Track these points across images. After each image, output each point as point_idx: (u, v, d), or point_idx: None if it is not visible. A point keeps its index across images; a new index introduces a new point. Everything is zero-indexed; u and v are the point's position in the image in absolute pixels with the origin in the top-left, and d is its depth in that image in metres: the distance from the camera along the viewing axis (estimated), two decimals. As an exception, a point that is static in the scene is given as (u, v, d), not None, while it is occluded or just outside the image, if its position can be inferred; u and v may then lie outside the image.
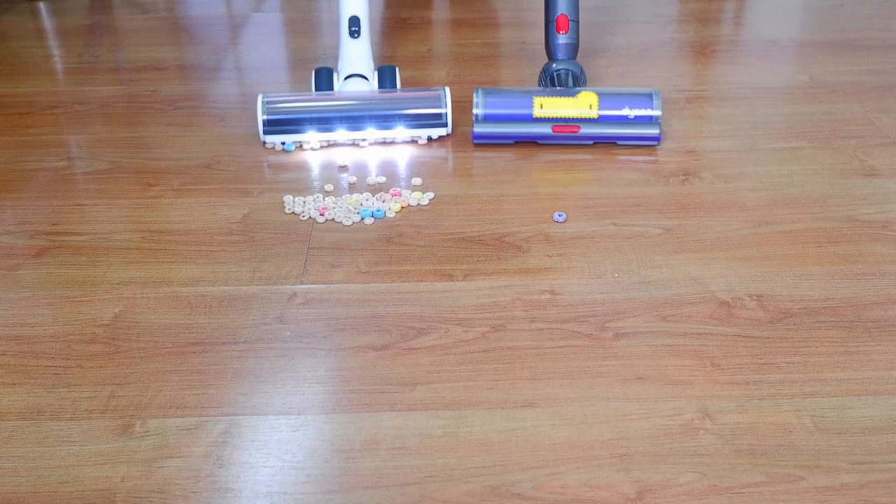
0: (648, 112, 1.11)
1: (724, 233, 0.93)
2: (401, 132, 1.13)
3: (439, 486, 0.62)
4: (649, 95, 1.11)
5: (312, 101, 1.13)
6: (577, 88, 1.12)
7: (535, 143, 1.12)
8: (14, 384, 0.73)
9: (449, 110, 1.13)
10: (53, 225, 0.96)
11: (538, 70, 1.39)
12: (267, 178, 1.06)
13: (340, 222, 0.96)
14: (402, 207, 0.99)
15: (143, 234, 0.94)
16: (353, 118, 1.12)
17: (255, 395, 0.71)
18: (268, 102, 1.12)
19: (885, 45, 1.49)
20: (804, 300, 0.82)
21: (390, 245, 0.92)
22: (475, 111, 1.12)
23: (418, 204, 1.00)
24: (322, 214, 0.97)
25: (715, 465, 0.64)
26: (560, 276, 0.86)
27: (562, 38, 1.18)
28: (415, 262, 0.89)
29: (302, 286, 0.85)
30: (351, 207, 0.98)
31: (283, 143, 1.12)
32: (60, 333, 0.79)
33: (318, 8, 1.76)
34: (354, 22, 1.16)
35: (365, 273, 0.87)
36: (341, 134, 1.12)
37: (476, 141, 1.12)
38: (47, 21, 1.70)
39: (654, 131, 1.10)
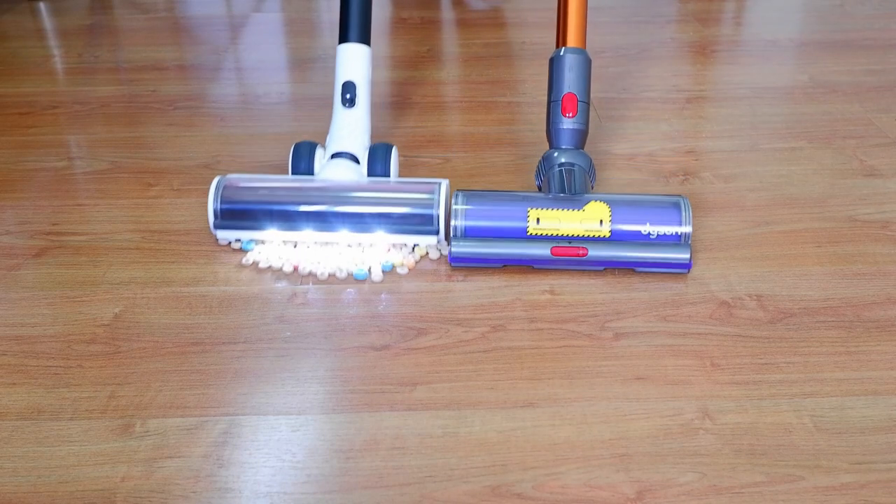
0: (675, 229, 0.85)
1: (724, 233, 0.93)
2: (381, 237, 0.89)
3: (439, 486, 0.62)
4: (676, 206, 0.86)
5: (276, 191, 0.90)
6: (585, 197, 0.87)
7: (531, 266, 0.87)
8: (14, 384, 0.73)
9: (442, 212, 0.87)
10: (53, 225, 0.97)
11: (538, 71, 1.39)
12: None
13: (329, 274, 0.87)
14: (416, 263, 0.88)
15: (143, 234, 0.94)
16: (321, 217, 0.88)
17: (255, 395, 0.71)
18: (225, 187, 0.89)
19: (885, 45, 1.49)
20: (804, 300, 0.82)
21: (390, 245, 0.92)
22: (454, 223, 0.86)
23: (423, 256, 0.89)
24: (296, 270, 0.87)
25: (715, 465, 0.64)
26: (560, 276, 0.86)
27: (568, 123, 0.92)
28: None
29: (302, 286, 0.85)
30: (337, 263, 0.87)
31: (240, 241, 0.91)
32: (60, 333, 0.79)
33: (318, 8, 1.76)
34: (349, 88, 0.95)
35: (365, 273, 0.87)
36: (308, 235, 0.89)
37: (454, 264, 0.87)
38: (47, 21, 1.70)
39: (682, 256, 0.84)
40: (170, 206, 1.00)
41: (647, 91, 1.31)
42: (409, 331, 0.79)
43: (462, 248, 0.86)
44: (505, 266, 0.87)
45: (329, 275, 0.86)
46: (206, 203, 1.00)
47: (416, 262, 0.88)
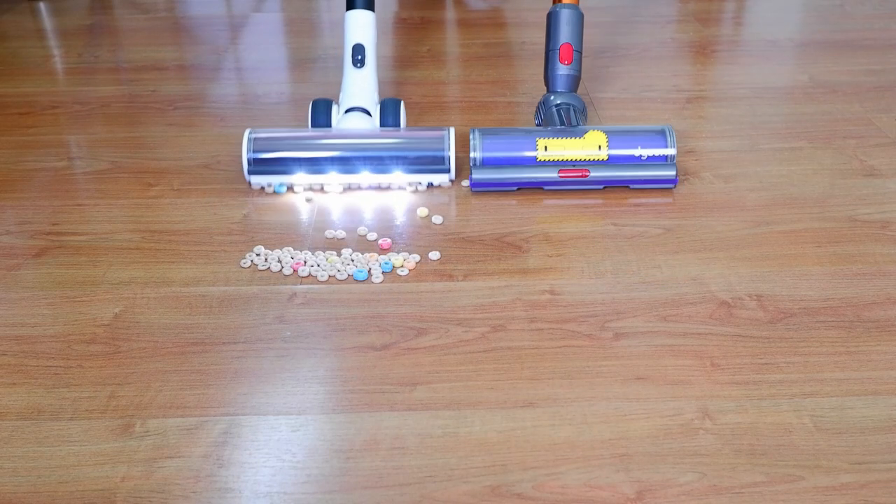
0: (662, 151, 1.01)
1: (724, 233, 0.93)
2: (398, 177, 1.01)
3: (439, 486, 0.62)
4: (662, 133, 1.02)
5: (303, 140, 1.02)
6: (584, 127, 1.02)
7: (541, 188, 1.01)
8: (14, 384, 0.73)
9: (452, 154, 1.00)
10: (53, 225, 0.97)
11: (538, 71, 1.39)
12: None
13: (332, 276, 0.86)
14: (416, 264, 0.88)
15: (143, 234, 0.94)
16: (346, 160, 1.00)
17: (255, 395, 0.71)
18: (255, 139, 1.01)
19: (885, 45, 1.49)
20: (804, 300, 0.82)
21: (390, 245, 0.92)
22: (472, 155, 1.01)
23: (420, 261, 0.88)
24: (295, 271, 0.87)
25: (715, 465, 0.64)
26: (560, 276, 0.86)
27: (564, 70, 1.08)
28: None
29: (302, 286, 0.85)
30: (336, 265, 0.88)
31: (272, 185, 1.02)
32: (60, 333, 0.79)
33: (318, 8, 1.76)
34: (359, 50, 1.07)
35: (365, 273, 0.87)
36: (333, 177, 1.01)
37: (474, 189, 1.01)
38: (47, 21, 1.70)
39: (669, 172, 1.00)
40: (170, 206, 1.00)
41: (647, 91, 1.31)
42: (409, 331, 0.79)
43: (481, 174, 1.00)
44: (519, 189, 1.00)
45: (329, 276, 0.86)
46: (206, 203, 1.00)
47: (417, 263, 0.88)
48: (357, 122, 1.03)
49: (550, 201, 1.00)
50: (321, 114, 1.05)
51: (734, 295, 0.83)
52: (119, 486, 0.62)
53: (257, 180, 1.02)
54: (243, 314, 0.81)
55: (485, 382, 0.72)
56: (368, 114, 1.05)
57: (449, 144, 1.00)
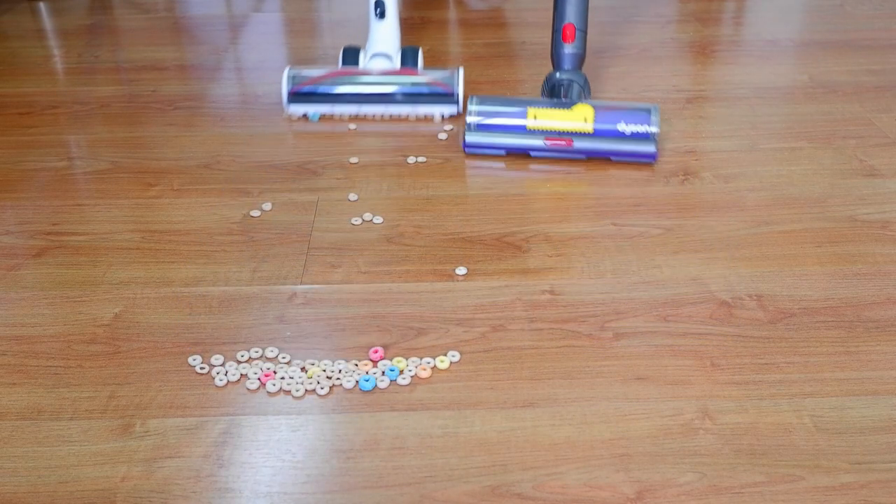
0: (645, 128, 1.06)
1: (724, 233, 0.93)
2: (413, 109, 1.20)
3: (439, 486, 0.62)
4: (647, 111, 1.07)
5: (332, 76, 1.20)
6: (574, 101, 1.10)
7: (528, 154, 1.09)
8: (14, 384, 0.73)
9: (461, 90, 1.18)
10: (53, 225, 0.96)
11: (538, 71, 1.39)
12: (268, 178, 1.06)
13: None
14: (430, 371, 0.74)
15: (143, 234, 0.94)
16: (367, 94, 1.19)
17: (255, 395, 0.71)
18: (293, 76, 1.21)
19: (885, 45, 1.49)
20: (804, 300, 0.82)
21: (390, 245, 0.92)
22: (468, 119, 1.10)
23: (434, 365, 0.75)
24: (263, 384, 0.73)
25: (715, 465, 0.64)
26: (560, 276, 0.86)
27: (567, 48, 1.15)
28: (415, 262, 0.89)
29: (302, 286, 0.85)
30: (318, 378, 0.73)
31: (307, 114, 1.21)
32: (60, 333, 0.79)
33: (318, 8, 1.76)
34: (379, 4, 1.22)
35: (365, 273, 0.87)
36: (359, 108, 1.20)
37: (467, 150, 1.10)
38: (47, 21, 1.70)
39: (649, 148, 1.06)
40: (170, 206, 1.00)
41: (647, 91, 1.31)
42: (409, 331, 0.79)
43: (474, 138, 1.09)
44: (508, 154, 1.09)
45: (306, 390, 0.72)
46: (206, 203, 1.00)
47: (431, 371, 0.75)
48: (380, 65, 1.21)
49: (552, 204, 1.00)
50: (350, 57, 1.22)
51: (734, 295, 0.83)
52: (119, 486, 0.62)
53: (294, 109, 1.21)
54: (243, 314, 0.81)
55: (485, 382, 0.72)
56: (390, 59, 1.22)
57: (458, 81, 1.18)
